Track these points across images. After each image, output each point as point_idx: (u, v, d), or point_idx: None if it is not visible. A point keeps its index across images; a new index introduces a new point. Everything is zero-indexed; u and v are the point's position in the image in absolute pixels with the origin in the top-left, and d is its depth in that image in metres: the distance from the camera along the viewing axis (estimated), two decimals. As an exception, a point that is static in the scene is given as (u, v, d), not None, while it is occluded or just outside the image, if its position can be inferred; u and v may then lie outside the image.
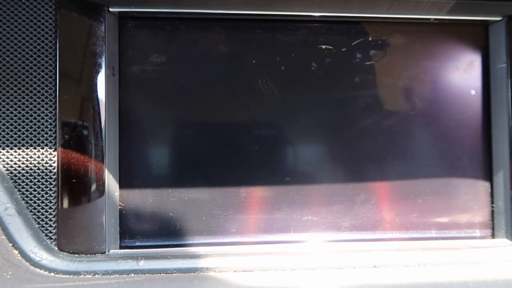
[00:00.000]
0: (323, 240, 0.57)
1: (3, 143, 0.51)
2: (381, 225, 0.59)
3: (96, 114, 0.52)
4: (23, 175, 0.51)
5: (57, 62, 0.52)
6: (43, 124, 0.52)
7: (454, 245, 0.56)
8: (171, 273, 0.49)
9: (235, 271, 0.50)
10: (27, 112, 0.52)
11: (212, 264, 0.50)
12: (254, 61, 0.58)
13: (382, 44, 0.59)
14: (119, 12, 0.55)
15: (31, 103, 0.52)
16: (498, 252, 0.54)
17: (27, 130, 0.52)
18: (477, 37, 0.61)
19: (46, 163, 0.51)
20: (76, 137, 0.52)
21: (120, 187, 0.55)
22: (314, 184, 0.58)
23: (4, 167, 0.51)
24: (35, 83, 0.52)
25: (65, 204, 0.51)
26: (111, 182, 0.53)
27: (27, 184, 0.51)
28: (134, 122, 0.56)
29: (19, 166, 0.51)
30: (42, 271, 0.48)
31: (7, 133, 0.52)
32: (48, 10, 0.52)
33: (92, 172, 0.52)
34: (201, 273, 0.49)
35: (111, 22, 0.54)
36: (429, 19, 0.58)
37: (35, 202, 0.51)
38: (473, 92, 0.60)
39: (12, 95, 0.52)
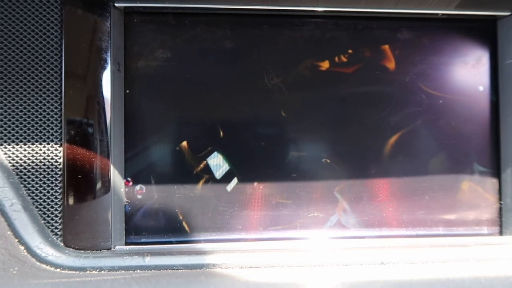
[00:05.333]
0: (329, 237, 0.57)
1: (9, 138, 0.51)
2: (388, 222, 0.58)
3: (101, 109, 0.52)
4: (29, 171, 0.51)
5: (63, 58, 0.51)
6: (48, 120, 0.52)
7: (461, 242, 0.55)
8: (177, 269, 0.49)
9: (241, 268, 0.50)
10: (33, 108, 0.52)
11: (218, 261, 0.50)
12: (260, 57, 0.57)
13: (389, 39, 0.59)
14: (125, 7, 0.54)
15: (36, 99, 0.52)
16: (506, 250, 0.54)
17: (32, 126, 0.51)
18: (485, 32, 0.60)
19: (52, 159, 0.51)
20: (82, 133, 0.52)
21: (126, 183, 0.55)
22: (320, 180, 0.58)
23: (10, 162, 0.51)
24: (40, 78, 0.52)
25: (71, 200, 0.51)
26: (116, 178, 0.53)
27: (33, 180, 0.51)
28: (139, 118, 0.56)
29: (25, 162, 0.51)
30: (48, 267, 0.48)
31: (13, 129, 0.51)
32: (53, 5, 0.52)
33: (98, 168, 0.52)
34: (207, 269, 0.49)
35: (116, 17, 0.54)
36: (437, 14, 0.58)
37: (40, 198, 0.51)
38: (481, 88, 0.60)
39: (17, 90, 0.52)
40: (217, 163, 0.57)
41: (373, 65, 0.58)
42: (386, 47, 0.59)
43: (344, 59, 0.58)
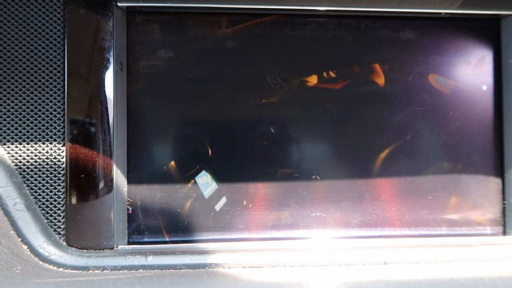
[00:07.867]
0: (332, 237, 0.57)
1: (12, 138, 0.51)
2: (391, 222, 0.58)
3: (104, 109, 0.52)
4: (32, 170, 0.51)
5: (66, 58, 0.52)
6: (51, 119, 0.52)
7: (465, 242, 0.55)
8: (180, 269, 0.49)
9: (244, 267, 0.50)
10: (36, 107, 0.52)
11: (221, 260, 0.50)
12: (262, 56, 0.57)
13: (392, 39, 0.59)
14: (127, 6, 0.55)
15: (39, 98, 0.52)
16: (510, 249, 0.53)
17: (35, 125, 0.52)
18: (489, 32, 0.60)
19: (55, 158, 0.51)
20: (85, 132, 0.52)
21: (128, 182, 0.55)
22: (323, 180, 0.58)
23: (13, 162, 0.51)
24: (43, 78, 0.52)
25: (74, 199, 0.51)
26: (119, 177, 0.53)
27: (35, 179, 0.51)
28: (142, 118, 0.56)
29: (28, 161, 0.51)
30: (51, 266, 0.48)
31: (16, 128, 0.52)
32: (56, 5, 0.52)
33: (101, 168, 0.52)
34: (210, 269, 0.49)
35: (119, 17, 0.54)
36: (440, 13, 0.58)
37: (43, 197, 0.51)
38: (484, 87, 0.60)
39: (20, 90, 0.52)
40: (219, 162, 0.57)
41: (376, 64, 0.58)
42: (389, 46, 0.59)
43: (347, 58, 0.58)
